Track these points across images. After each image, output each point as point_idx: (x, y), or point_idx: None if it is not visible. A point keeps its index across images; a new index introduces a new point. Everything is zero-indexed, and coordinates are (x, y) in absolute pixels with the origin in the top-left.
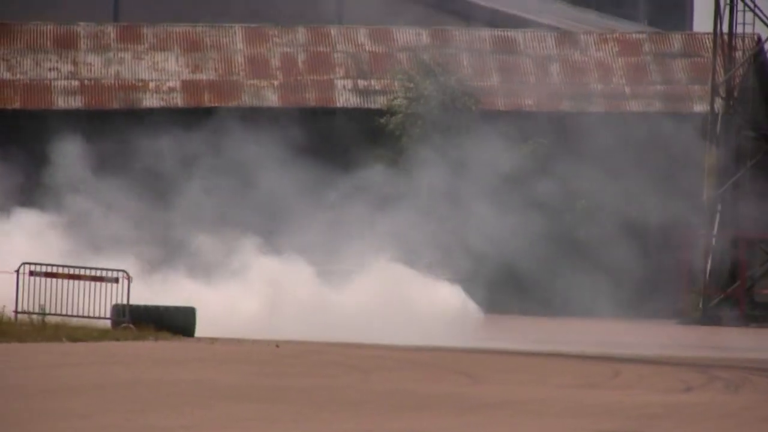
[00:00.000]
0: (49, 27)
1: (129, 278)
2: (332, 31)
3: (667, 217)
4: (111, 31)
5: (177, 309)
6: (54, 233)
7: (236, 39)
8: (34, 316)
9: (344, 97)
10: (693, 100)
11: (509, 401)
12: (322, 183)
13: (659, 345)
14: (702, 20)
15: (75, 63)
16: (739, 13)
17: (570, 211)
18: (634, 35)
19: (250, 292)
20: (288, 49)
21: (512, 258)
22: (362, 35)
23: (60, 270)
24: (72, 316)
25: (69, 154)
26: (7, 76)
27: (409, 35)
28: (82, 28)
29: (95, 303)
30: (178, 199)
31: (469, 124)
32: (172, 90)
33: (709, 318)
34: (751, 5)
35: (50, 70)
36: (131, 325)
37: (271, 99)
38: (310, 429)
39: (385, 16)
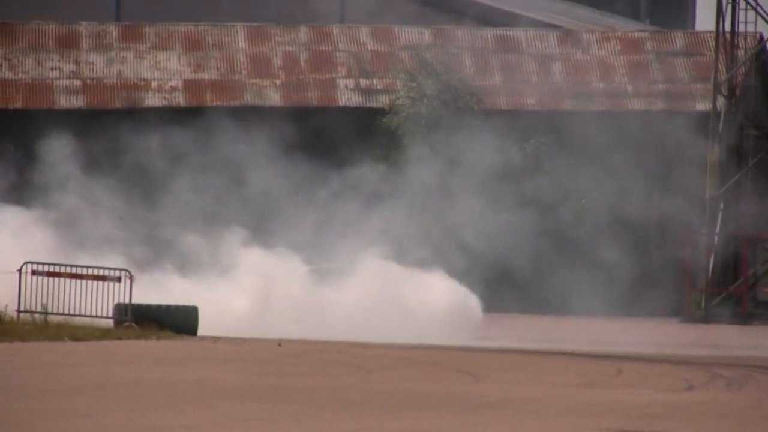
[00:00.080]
0: (50, 26)
1: (131, 277)
2: (334, 30)
3: (669, 215)
4: (113, 30)
5: (179, 308)
6: (46, 231)
7: (238, 38)
8: (37, 316)
9: (346, 96)
10: (695, 99)
11: (510, 400)
12: (321, 182)
13: (661, 343)
14: (704, 19)
15: (77, 62)
16: (741, 11)
17: (568, 210)
18: (636, 34)
19: (242, 289)
20: (290, 48)
21: (508, 256)
22: (364, 34)
23: (62, 269)
24: (74, 315)
25: (68, 154)
26: (9, 75)
27: (411, 34)
28: (83, 28)
29: (97, 302)
30: (177, 198)
31: (470, 123)
32: (174, 89)
33: (711, 316)
34: (753, 4)
35: (52, 69)
36: (134, 324)
37: (273, 98)
38: (312, 429)
39: (385, 15)
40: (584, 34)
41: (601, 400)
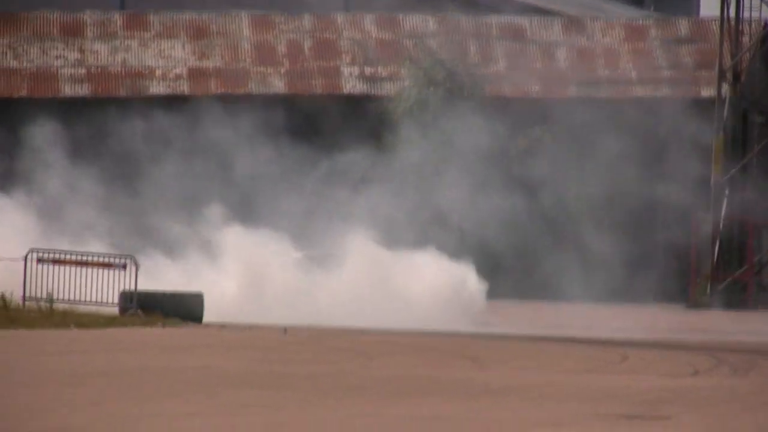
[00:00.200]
0: (55, 15)
1: (137, 265)
2: (338, 18)
3: (671, 201)
4: (117, 18)
5: (184, 295)
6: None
7: (242, 26)
8: (42, 303)
9: (351, 84)
10: (699, 86)
11: (514, 387)
12: (324, 169)
13: (665, 329)
14: (708, 5)
15: (81, 51)
16: None
17: (567, 196)
18: (640, 21)
19: (231, 275)
20: (294, 36)
21: (506, 242)
22: (368, 22)
23: (67, 257)
24: (79, 302)
25: (71, 141)
26: (13, 64)
27: (415, 22)
28: (88, 16)
29: (103, 290)
30: (180, 186)
31: (474, 110)
32: (178, 77)
33: (716, 302)
34: None
35: (57, 58)
36: (139, 312)
37: (278, 86)
38: (316, 415)
39: (391, 2)
40: (589, 22)
41: (606, 386)
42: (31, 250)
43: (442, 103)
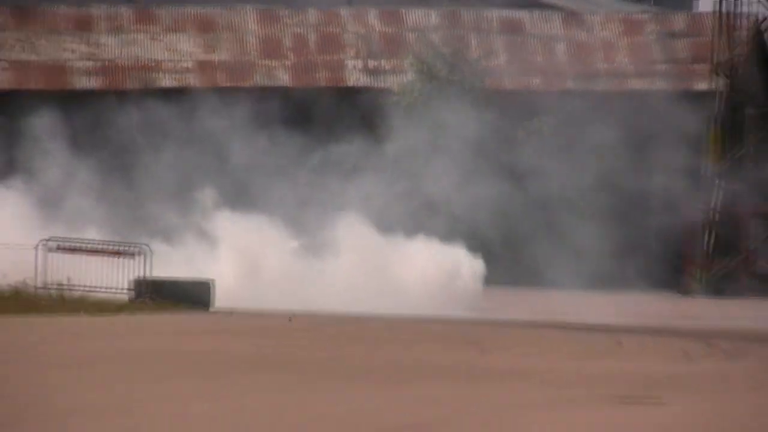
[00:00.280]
0: (66, 9)
1: (146, 253)
2: (343, 12)
3: (666, 191)
4: (127, 13)
5: (194, 282)
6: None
7: (249, 20)
8: (54, 290)
9: (354, 77)
10: (695, 79)
11: (516, 371)
12: (330, 159)
13: (659, 316)
14: (705, 0)
15: (92, 44)
16: None
17: (564, 186)
18: (638, 15)
19: (230, 263)
20: (299, 30)
21: (502, 229)
22: (372, 16)
23: (80, 245)
24: (91, 289)
25: (82, 132)
26: (26, 57)
27: (418, 16)
28: (98, 11)
29: (113, 277)
30: (186, 175)
31: (475, 102)
32: (186, 70)
33: (709, 290)
34: None
35: (68, 51)
36: (150, 299)
37: (283, 79)
38: (325, 398)
39: None
40: (588, 16)
41: (602, 370)
42: (45, 240)
43: (444, 95)
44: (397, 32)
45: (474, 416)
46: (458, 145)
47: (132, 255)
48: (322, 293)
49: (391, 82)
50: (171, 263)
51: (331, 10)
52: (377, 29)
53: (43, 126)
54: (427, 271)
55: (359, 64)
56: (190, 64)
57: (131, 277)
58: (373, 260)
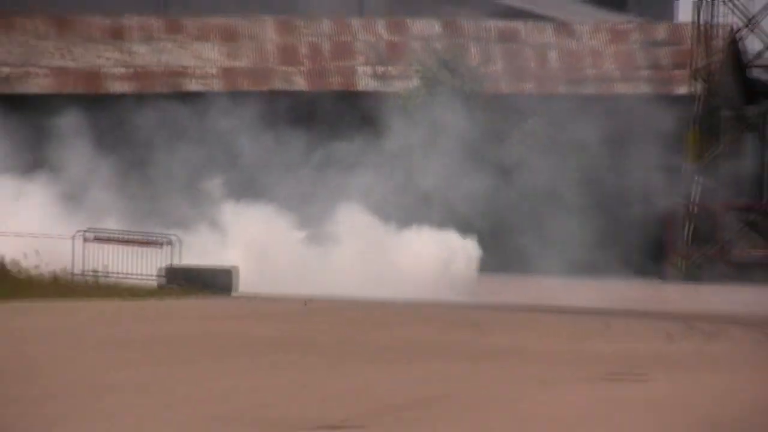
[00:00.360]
0: (102, 20)
1: (173, 243)
2: (353, 23)
3: (649, 186)
4: (157, 23)
5: (218, 269)
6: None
7: (268, 30)
8: (90, 277)
9: (364, 82)
10: (676, 84)
11: (514, 350)
12: (335, 157)
13: (643, 301)
14: (684, 12)
15: (125, 52)
16: (716, 6)
17: (554, 181)
18: (623, 26)
19: (242, 253)
20: (314, 39)
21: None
22: (380, 26)
23: (114, 236)
24: (124, 276)
25: (119, 134)
26: (64, 64)
27: (422, 26)
28: (131, 21)
29: (143, 265)
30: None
31: (474, 105)
32: (211, 76)
33: (688, 276)
34: None
35: (103, 58)
36: (178, 285)
37: (300, 83)
38: (343, 374)
39: (400, 7)
40: (577, 26)
41: (593, 349)
42: (80, 231)
43: (445, 98)
44: (403, 41)
45: (476, 391)
46: (456, 144)
47: (160, 245)
48: (328, 280)
49: (397, 86)
50: (189, 252)
51: (343, 20)
52: (385, 38)
53: (74, 126)
54: (425, 258)
55: (368, 69)
56: (214, 70)
57: (158, 265)
58: (375, 248)
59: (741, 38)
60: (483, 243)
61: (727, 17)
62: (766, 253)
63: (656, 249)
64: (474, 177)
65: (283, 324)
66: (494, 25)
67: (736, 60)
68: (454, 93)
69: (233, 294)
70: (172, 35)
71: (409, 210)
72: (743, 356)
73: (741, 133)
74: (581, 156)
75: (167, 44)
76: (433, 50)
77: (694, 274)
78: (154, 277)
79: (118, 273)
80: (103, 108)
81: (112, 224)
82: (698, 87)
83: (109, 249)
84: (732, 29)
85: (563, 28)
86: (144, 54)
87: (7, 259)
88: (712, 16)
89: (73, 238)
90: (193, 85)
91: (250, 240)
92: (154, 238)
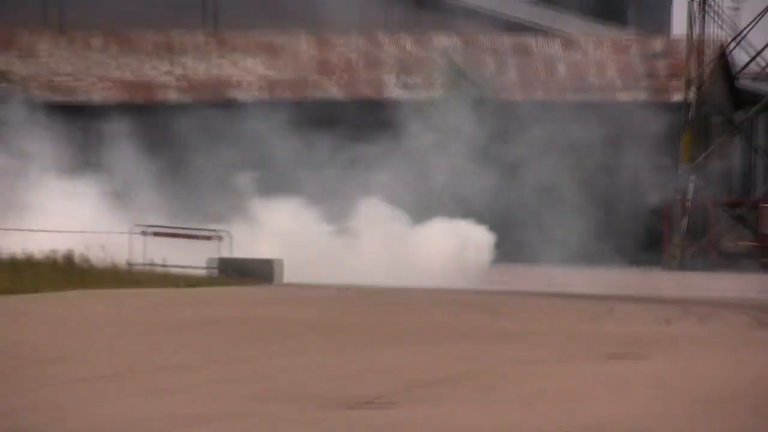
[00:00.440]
0: (154, 35)
1: (222, 238)
2: (382, 37)
3: (649, 185)
4: (204, 38)
5: (262, 261)
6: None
7: (305, 44)
8: (147, 267)
9: (391, 90)
10: (671, 92)
11: (527, 332)
12: (364, 161)
13: (644, 287)
14: (679, 26)
15: (174, 64)
16: (707, 21)
17: (561, 179)
18: (624, 39)
19: (272, 246)
20: (347, 52)
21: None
22: (406, 40)
23: (170, 231)
24: (177, 267)
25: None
26: (119, 75)
27: (443, 40)
28: (179, 35)
29: (193, 257)
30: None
31: (490, 111)
32: (255, 86)
33: (684, 265)
34: (718, 14)
35: (154, 69)
36: (227, 275)
37: (333, 92)
38: (374, 354)
39: (422, 23)
40: (582, 40)
41: (598, 331)
42: (141, 225)
43: (464, 105)
44: (427, 54)
45: (495, 369)
46: (470, 146)
47: (210, 239)
48: (355, 269)
49: (420, 94)
50: (230, 245)
51: (373, 35)
52: (410, 51)
53: (127, 132)
54: (442, 247)
55: (395, 79)
56: (256, 80)
57: (207, 257)
58: (397, 240)
59: (729, 51)
60: (492, 235)
61: (717, 32)
62: (753, 245)
63: (652, 241)
64: (485, 175)
65: (322, 309)
66: (508, 39)
67: (725, 71)
68: (471, 100)
69: (274, 283)
70: (217, 48)
71: (426, 205)
72: (735, 336)
73: (730, 136)
74: (584, 156)
75: (213, 57)
76: (454, 62)
77: (687, 264)
78: (204, 268)
79: (172, 264)
80: (154, 115)
81: (159, 220)
82: (691, 95)
83: (163, 242)
84: (722, 43)
85: (570, 41)
86: (192, 66)
87: (75, 253)
88: (704, 31)
89: (131, 232)
90: (236, 95)
91: (285, 233)
92: (206, 233)
